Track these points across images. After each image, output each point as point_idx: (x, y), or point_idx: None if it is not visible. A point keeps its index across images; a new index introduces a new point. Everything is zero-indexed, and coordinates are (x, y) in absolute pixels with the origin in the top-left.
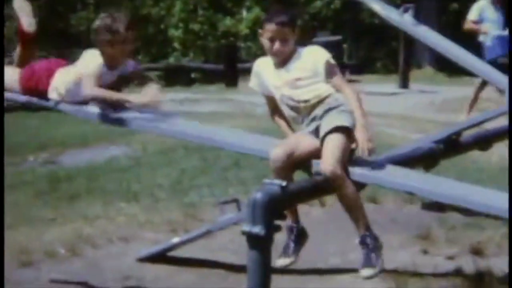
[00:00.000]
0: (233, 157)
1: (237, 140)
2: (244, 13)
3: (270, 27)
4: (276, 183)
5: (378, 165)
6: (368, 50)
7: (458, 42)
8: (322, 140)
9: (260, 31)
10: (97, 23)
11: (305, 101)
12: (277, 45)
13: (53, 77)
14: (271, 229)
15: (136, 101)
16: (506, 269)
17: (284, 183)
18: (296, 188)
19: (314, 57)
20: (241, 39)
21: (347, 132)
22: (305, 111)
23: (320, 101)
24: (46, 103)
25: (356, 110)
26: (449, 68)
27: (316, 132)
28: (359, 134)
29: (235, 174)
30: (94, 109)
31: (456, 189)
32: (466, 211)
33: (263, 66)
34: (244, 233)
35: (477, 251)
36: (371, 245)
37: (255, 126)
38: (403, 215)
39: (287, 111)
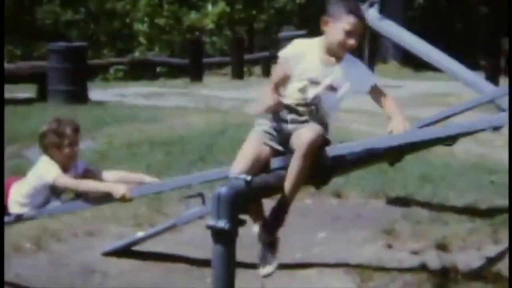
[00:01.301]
0: (198, 152)
1: None
2: (209, 7)
3: (351, 20)
4: (241, 178)
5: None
6: None
7: (423, 37)
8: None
9: (326, 18)
10: (43, 127)
11: (318, 109)
12: (353, 40)
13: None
14: (236, 223)
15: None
16: (471, 264)
17: (249, 178)
18: (261, 182)
19: (363, 77)
20: (206, 34)
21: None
22: (305, 114)
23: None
24: (8, 219)
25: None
26: (414, 63)
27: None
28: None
29: (200, 169)
30: (55, 204)
31: None
32: (430, 207)
33: (309, 50)
34: (208, 227)
35: (442, 246)
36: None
37: (220, 121)
38: (368, 210)
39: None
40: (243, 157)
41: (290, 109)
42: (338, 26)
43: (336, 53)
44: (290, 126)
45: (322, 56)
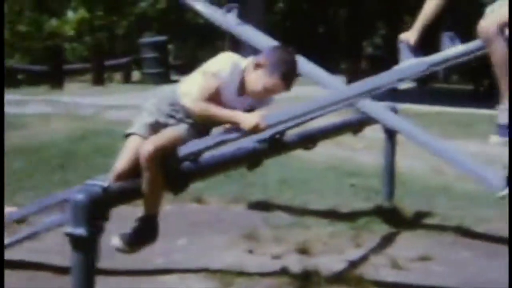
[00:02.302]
0: (59, 159)
1: None
2: (70, 14)
3: (281, 87)
4: (97, 184)
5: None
6: (194, 50)
7: (285, 42)
8: None
9: (262, 62)
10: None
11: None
12: (264, 95)
13: None
14: (94, 230)
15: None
16: (332, 267)
17: (106, 184)
18: (118, 188)
19: None
20: (66, 40)
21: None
22: (180, 112)
23: None
24: None
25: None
26: None
27: None
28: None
29: (61, 176)
30: None
31: None
32: (291, 210)
33: (234, 76)
34: (67, 234)
35: (303, 250)
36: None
37: (81, 127)
38: (228, 215)
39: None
40: (121, 157)
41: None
42: (265, 80)
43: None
44: (170, 121)
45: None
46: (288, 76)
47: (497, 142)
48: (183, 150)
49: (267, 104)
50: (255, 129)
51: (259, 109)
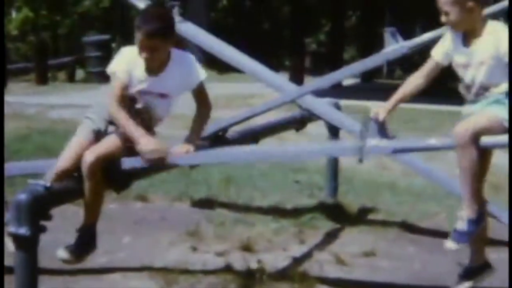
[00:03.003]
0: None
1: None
2: (13, 13)
3: (138, 36)
4: (40, 184)
5: None
6: None
7: (229, 39)
8: None
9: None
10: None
11: (150, 117)
12: (145, 54)
13: None
14: (37, 230)
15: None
16: (276, 264)
17: (48, 184)
18: (61, 188)
19: (190, 76)
20: (10, 40)
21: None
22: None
23: None
24: None
25: None
26: (218, 65)
27: None
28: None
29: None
30: None
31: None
32: (235, 208)
33: (138, 60)
34: (10, 234)
35: (247, 247)
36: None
37: (25, 127)
38: (172, 213)
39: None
40: (63, 157)
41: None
42: (136, 40)
43: (147, 66)
44: (110, 128)
45: (144, 68)
46: (140, 24)
47: (453, 248)
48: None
49: (180, 85)
50: (151, 157)
51: (175, 92)
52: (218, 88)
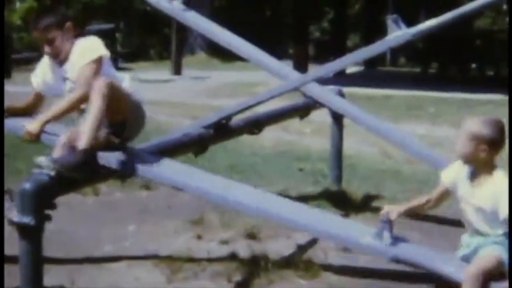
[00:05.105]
0: (6, 148)
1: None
2: (17, 4)
3: (34, 33)
4: (45, 173)
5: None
6: (141, 37)
7: (232, 27)
8: None
9: None
10: None
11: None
12: (46, 48)
13: None
14: (41, 219)
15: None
16: (281, 251)
17: (52, 173)
18: (66, 177)
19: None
20: (14, 30)
21: None
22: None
23: None
24: None
25: None
26: (222, 53)
27: None
28: None
29: (11, 164)
30: None
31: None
32: None
33: (45, 60)
34: (13, 223)
35: (251, 235)
36: None
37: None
38: (177, 202)
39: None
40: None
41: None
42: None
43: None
44: None
45: (51, 62)
46: (30, 22)
47: None
48: None
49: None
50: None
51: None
52: (222, 77)
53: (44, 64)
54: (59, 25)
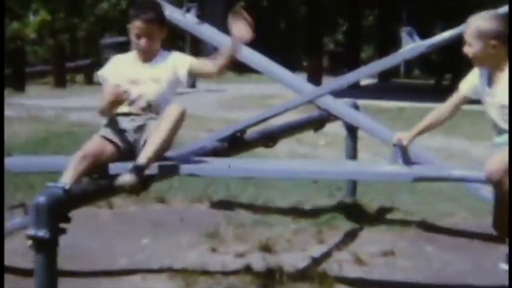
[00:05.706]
0: None
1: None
2: (31, 17)
3: (137, 24)
4: (59, 186)
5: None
6: None
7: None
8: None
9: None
10: None
11: (149, 102)
12: (142, 41)
13: None
14: (56, 232)
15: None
16: (296, 264)
17: (67, 186)
18: (80, 190)
19: (178, 61)
20: (28, 43)
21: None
22: (136, 110)
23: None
24: None
25: None
26: (236, 66)
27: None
28: None
29: (24, 179)
30: None
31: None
32: (254, 209)
33: (123, 59)
34: (29, 237)
35: (266, 248)
36: None
37: (43, 130)
38: (192, 215)
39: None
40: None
41: (126, 115)
42: (132, 31)
43: (142, 55)
44: (134, 136)
45: (135, 60)
46: (137, 12)
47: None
48: None
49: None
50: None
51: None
52: (236, 89)
53: (121, 61)
54: (162, 23)
